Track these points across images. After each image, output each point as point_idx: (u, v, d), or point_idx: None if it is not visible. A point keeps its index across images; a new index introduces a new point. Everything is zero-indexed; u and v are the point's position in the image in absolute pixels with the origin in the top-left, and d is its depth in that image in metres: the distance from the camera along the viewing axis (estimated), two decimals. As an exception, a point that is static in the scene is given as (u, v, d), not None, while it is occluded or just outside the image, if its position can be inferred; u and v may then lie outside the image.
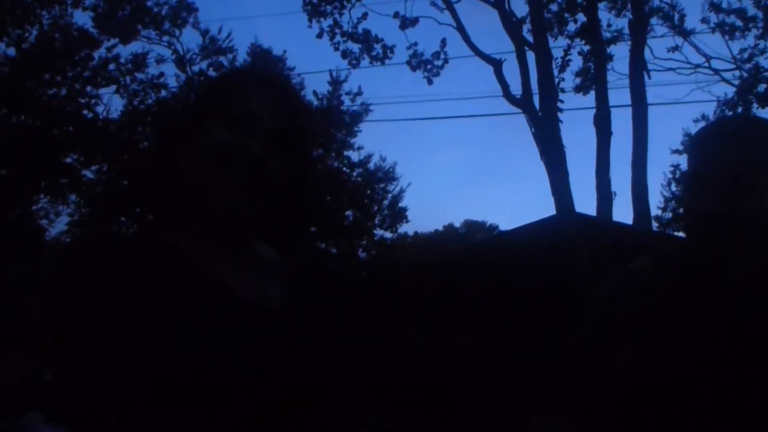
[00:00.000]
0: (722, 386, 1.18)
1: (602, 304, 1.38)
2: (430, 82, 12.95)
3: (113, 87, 14.15)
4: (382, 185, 17.95)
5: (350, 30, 12.52)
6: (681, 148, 16.29)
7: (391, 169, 18.05)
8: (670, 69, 13.31)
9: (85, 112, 13.71)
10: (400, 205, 17.95)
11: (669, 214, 17.30)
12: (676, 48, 13.17)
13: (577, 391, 1.33)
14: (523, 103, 10.55)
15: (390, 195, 17.99)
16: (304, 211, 1.15)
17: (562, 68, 11.02)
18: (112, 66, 14.18)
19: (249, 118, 1.01)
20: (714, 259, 1.27)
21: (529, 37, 10.87)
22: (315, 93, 15.17)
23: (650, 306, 1.31)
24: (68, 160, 13.54)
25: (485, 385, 0.91)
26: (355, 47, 12.71)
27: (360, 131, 17.43)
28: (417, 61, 12.82)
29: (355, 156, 17.46)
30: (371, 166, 17.76)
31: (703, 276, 1.28)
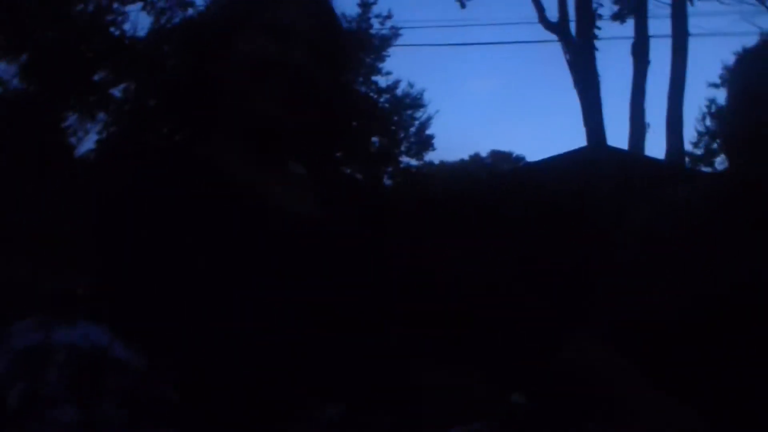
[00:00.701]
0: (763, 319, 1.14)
1: (636, 233, 1.35)
2: (462, 5, 12.60)
3: (140, 4, 13.99)
4: (409, 112, 17.78)
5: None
6: (719, 82, 15.77)
7: (419, 96, 17.83)
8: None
9: (112, 29, 13.60)
10: (427, 132, 17.81)
11: (701, 151, 16.94)
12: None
13: (611, 325, 1.31)
14: (558, 28, 10.23)
15: (417, 122, 17.83)
16: (342, 126, 1.13)
17: (602, -8, 10.63)
18: (139, -19, 13.96)
19: (288, 29, 0.98)
20: (756, 184, 1.22)
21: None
22: (343, 15, 14.87)
23: (686, 236, 1.27)
24: (96, 77, 13.53)
25: (519, 310, 0.89)
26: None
27: (388, 56, 17.12)
28: (450, -17, 12.44)
29: (382, 81, 17.23)
30: (399, 92, 17.54)
31: (742, 202, 1.24)
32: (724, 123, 1.35)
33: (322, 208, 1.02)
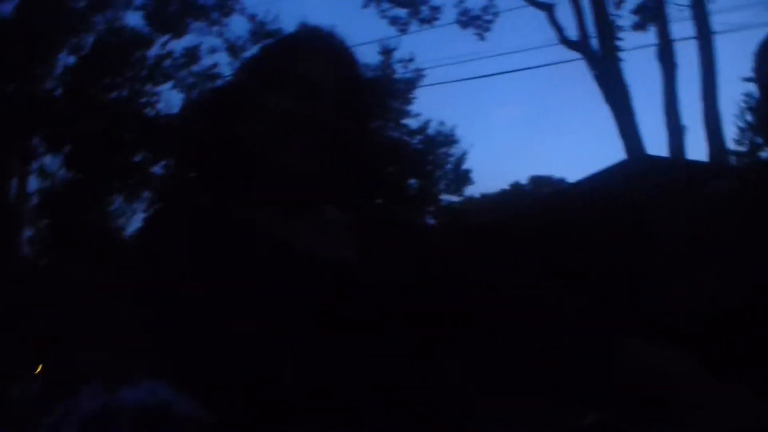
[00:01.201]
0: None
1: (685, 225, 1.33)
2: (481, 38, 12.70)
3: (170, 83, 14.49)
4: (443, 150, 17.82)
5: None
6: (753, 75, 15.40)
7: (450, 133, 17.89)
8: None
9: (147, 110, 14.08)
10: (464, 167, 17.80)
11: (746, 147, 16.52)
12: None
13: (661, 317, 1.28)
14: (580, 45, 10.21)
15: (452, 158, 17.85)
16: (371, 170, 1.14)
17: (619, 3, 10.60)
18: (167, 62, 14.49)
19: (310, 83, 1.00)
20: None
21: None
22: (366, 65, 15.04)
23: (735, 227, 1.25)
24: (136, 158, 13.96)
25: (573, 326, 0.88)
26: (402, 12, 12.57)
27: (416, 98, 17.27)
28: (466, 18, 12.58)
29: (413, 123, 17.34)
30: (431, 131, 17.62)
31: None
32: (758, 115, 1.34)
33: (361, 249, 1.03)
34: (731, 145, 16.01)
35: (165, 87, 14.51)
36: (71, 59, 13.17)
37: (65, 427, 0.62)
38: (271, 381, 0.82)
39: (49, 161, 12.80)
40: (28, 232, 14.98)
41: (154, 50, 14.42)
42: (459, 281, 1.05)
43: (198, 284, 0.88)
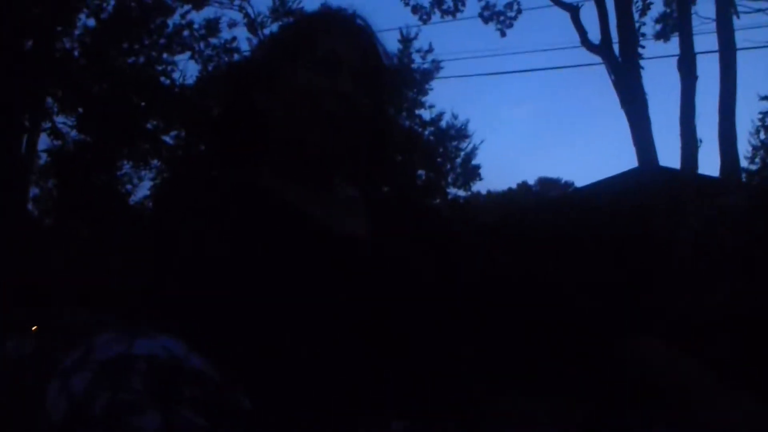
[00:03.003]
0: None
1: (693, 237, 1.33)
2: (503, 34, 12.63)
3: (188, 53, 14.47)
4: (454, 143, 17.77)
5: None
6: (770, 94, 15.32)
7: (463, 127, 17.83)
8: (760, 10, 12.51)
9: (162, 78, 14.06)
10: (473, 162, 17.75)
11: (757, 165, 16.44)
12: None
13: (672, 324, 1.28)
14: (602, 49, 10.14)
15: (462, 153, 17.80)
16: (385, 153, 1.16)
17: (643, 11, 10.53)
18: (186, 32, 14.46)
19: (335, 59, 1.01)
20: None
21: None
22: (385, 52, 15.00)
23: (744, 240, 1.25)
24: (148, 126, 13.96)
25: (575, 315, 0.88)
26: (425, 1, 12.51)
27: (431, 89, 17.22)
28: (489, 13, 12.50)
29: (426, 114, 17.30)
30: (443, 124, 17.57)
31: None
32: None
33: (375, 226, 1.04)
34: (744, 162, 15.98)
35: (182, 57, 14.51)
36: (91, 21, 13.15)
37: (79, 372, 0.63)
38: (283, 348, 0.82)
39: (61, 121, 12.80)
40: (34, 191, 15.06)
41: (173, 19, 14.40)
42: (469, 265, 1.06)
43: (210, 249, 0.88)
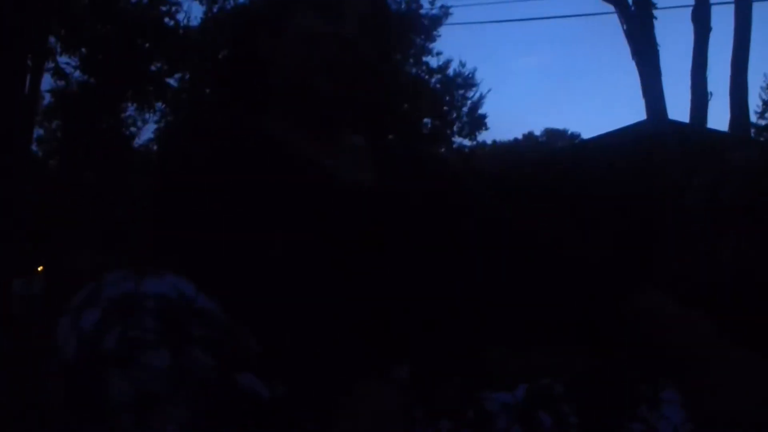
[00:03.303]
0: None
1: (704, 193, 1.32)
2: (513, -20, 12.35)
3: (193, -6, 14.25)
4: (461, 92, 17.60)
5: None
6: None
7: (470, 75, 17.63)
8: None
9: (166, 20, 13.86)
10: (480, 112, 17.60)
11: (767, 120, 16.27)
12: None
13: (678, 284, 1.28)
14: (615, -2, 9.94)
15: (469, 102, 17.64)
16: (392, 101, 1.14)
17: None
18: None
19: (338, 5, 0.99)
20: None
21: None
22: (394, -4, 14.82)
23: (755, 196, 1.23)
24: (152, 68, 13.83)
25: (583, 263, 0.87)
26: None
27: (439, 36, 16.96)
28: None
29: (434, 62, 17.09)
30: (450, 72, 17.37)
31: None
32: None
33: (382, 178, 1.03)
34: (753, 117, 15.81)
35: (187, -2, 14.28)
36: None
37: (89, 308, 0.63)
38: (290, 295, 0.83)
39: (65, 62, 12.67)
40: (38, 131, 15.01)
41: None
42: (472, 215, 1.06)
43: (215, 195, 0.88)
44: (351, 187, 0.97)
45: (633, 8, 9.54)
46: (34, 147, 14.60)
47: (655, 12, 9.64)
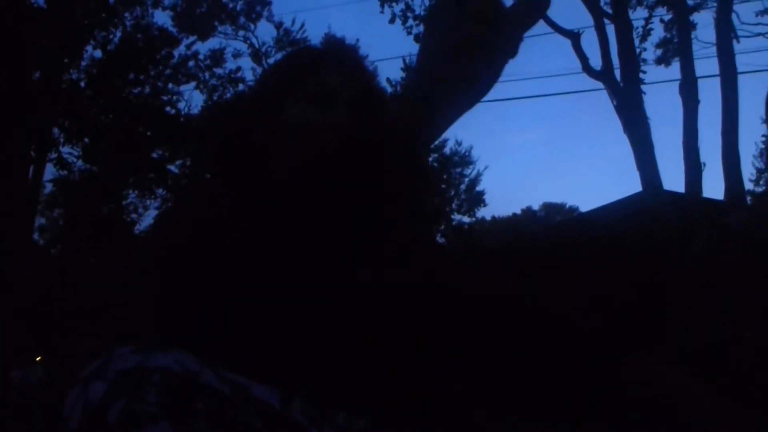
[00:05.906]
0: None
1: (702, 260, 1.33)
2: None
3: (193, 83, 14.64)
4: (458, 169, 17.86)
5: (422, 13, 12.43)
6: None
7: (467, 153, 17.95)
8: (759, 34, 12.59)
9: (168, 108, 14.19)
10: (477, 188, 17.83)
11: (762, 187, 16.45)
12: (765, 11, 12.44)
13: (682, 348, 1.28)
14: (603, 75, 10.22)
15: (467, 179, 17.88)
16: (390, 185, 1.14)
17: (644, 37, 10.62)
18: (191, 63, 14.65)
19: (327, 94, 1.02)
20: None
21: (608, 9, 10.52)
22: (389, 80, 15.23)
23: (753, 261, 1.25)
24: (154, 155, 14.06)
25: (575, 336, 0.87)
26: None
27: (435, 116, 17.27)
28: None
29: (430, 141, 17.36)
30: (447, 150, 17.68)
31: None
32: None
33: (376, 271, 1.02)
34: (748, 185, 15.98)
35: (187, 87, 14.70)
36: (98, 53, 13.31)
37: (97, 380, 0.64)
38: (284, 356, 0.83)
39: (67, 152, 12.90)
40: (40, 220, 15.10)
41: (179, 50, 14.58)
42: (468, 292, 1.05)
43: (213, 269, 0.89)
44: (341, 275, 0.97)
45: (622, 84, 9.80)
46: (35, 236, 14.67)
47: (644, 87, 9.91)
